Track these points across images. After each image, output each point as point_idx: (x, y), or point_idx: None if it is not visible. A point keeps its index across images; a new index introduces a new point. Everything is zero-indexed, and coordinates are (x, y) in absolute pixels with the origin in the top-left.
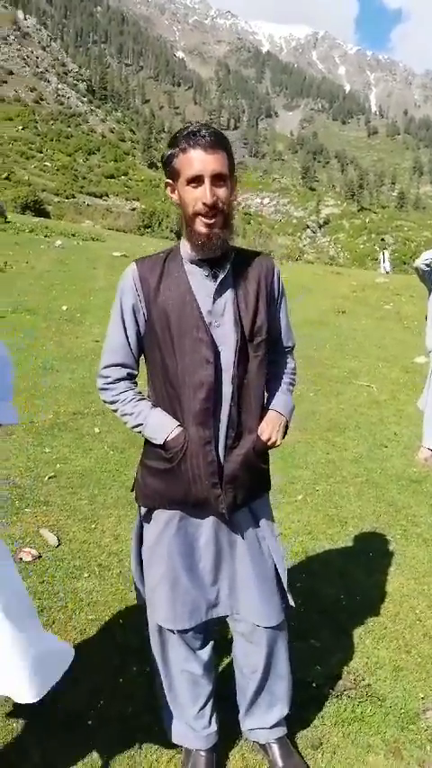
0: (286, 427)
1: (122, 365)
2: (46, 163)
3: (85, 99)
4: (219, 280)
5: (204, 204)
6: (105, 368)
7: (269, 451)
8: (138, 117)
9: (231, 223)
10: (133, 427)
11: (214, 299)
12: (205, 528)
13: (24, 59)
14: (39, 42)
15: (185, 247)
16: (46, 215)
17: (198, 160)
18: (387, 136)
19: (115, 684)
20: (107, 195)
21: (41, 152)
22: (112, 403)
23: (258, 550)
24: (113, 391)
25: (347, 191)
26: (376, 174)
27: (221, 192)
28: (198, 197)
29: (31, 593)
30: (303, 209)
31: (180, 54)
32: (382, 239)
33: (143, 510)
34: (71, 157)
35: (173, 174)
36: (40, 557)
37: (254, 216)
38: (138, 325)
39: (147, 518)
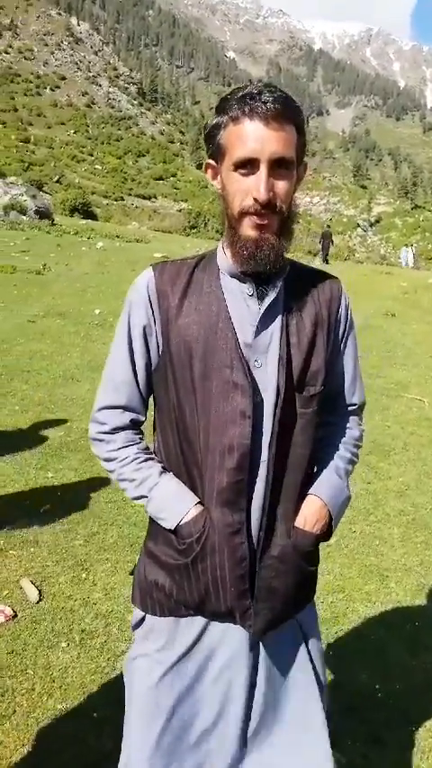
0: (330, 525)
1: (125, 408)
2: (96, 166)
3: (136, 102)
4: (267, 302)
5: (256, 200)
6: (101, 410)
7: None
8: (187, 118)
9: (291, 228)
10: (134, 499)
11: (258, 329)
12: (225, 649)
13: (77, 64)
14: (91, 47)
15: (225, 255)
16: (94, 217)
17: (253, 136)
18: None
19: None
20: (155, 197)
21: (92, 155)
22: (107, 461)
23: (301, 683)
24: (110, 445)
25: (401, 188)
26: None
27: (282, 185)
28: (248, 188)
29: None
30: (354, 208)
31: (231, 54)
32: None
33: (138, 614)
34: (121, 160)
35: (217, 151)
36: (15, 616)
37: (302, 215)
38: (149, 355)
39: (139, 624)
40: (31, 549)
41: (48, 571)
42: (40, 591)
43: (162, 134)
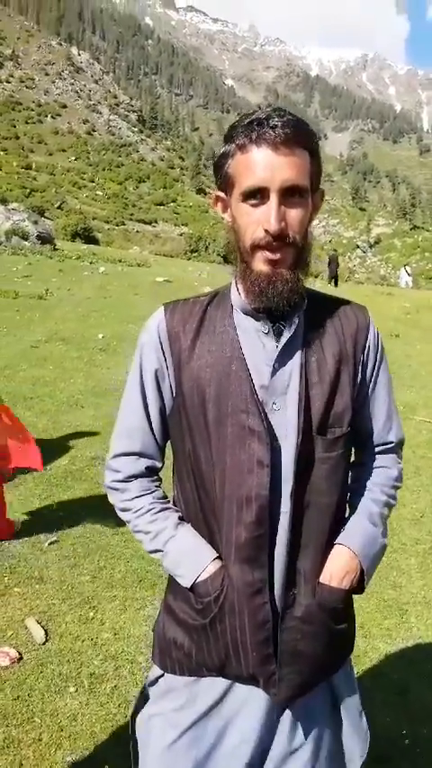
0: (362, 578)
1: (140, 455)
2: (97, 192)
3: (136, 129)
4: (284, 340)
5: (267, 232)
6: (115, 457)
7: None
8: (187, 144)
9: (307, 260)
10: (151, 552)
11: (274, 369)
12: (247, 716)
13: (78, 93)
14: (91, 76)
15: (237, 291)
16: (95, 242)
17: (262, 164)
18: None
19: None
20: (156, 222)
21: (93, 181)
22: (122, 511)
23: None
24: (124, 494)
25: (399, 210)
26: (429, 192)
27: (294, 214)
28: (259, 220)
29: (0, 715)
30: (353, 230)
31: (229, 82)
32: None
33: (156, 672)
34: (122, 186)
35: (225, 182)
36: (20, 658)
37: None
38: (163, 400)
39: (155, 682)
40: (37, 586)
41: (53, 610)
42: (46, 631)
43: (162, 160)
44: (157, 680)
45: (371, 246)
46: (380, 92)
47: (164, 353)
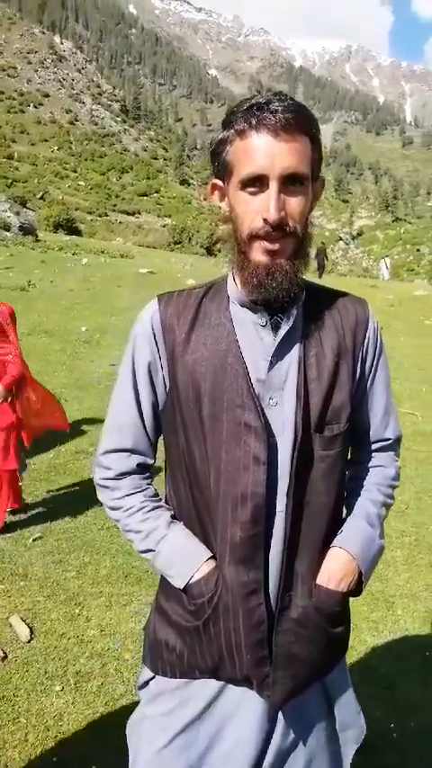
0: (360, 581)
1: (131, 451)
2: (80, 182)
3: (119, 119)
4: (282, 333)
5: (266, 221)
6: (106, 454)
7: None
8: (170, 135)
9: (307, 251)
10: (142, 553)
11: (272, 363)
12: (241, 718)
13: (60, 82)
14: (74, 65)
15: (234, 282)
16: (78, 233)
17: (262, 151)
18: (423, 146)
19: None
20: (139, 213)
21: (76, 171)
22: (112, 510)
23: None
24: (115, 492)
25: (381, 202)
26: (411, 184)
27: (295, 202)
28: (257, 208)
29: None
30: (336, 222)
31: (213, 72)
32: (418, 250)
33: (146, 675)
34: (104, 176)
35: (223, 170)
36: (5, 657)
37: None
38: (156, 394)
39: (145, 684)
40: (21, 583)
41: (38, 607)
42: (31, 629)
43: (145, 151)
44: (147, 682)
45: (353, 238)
46: (363, 83)
47: (157, 346)
